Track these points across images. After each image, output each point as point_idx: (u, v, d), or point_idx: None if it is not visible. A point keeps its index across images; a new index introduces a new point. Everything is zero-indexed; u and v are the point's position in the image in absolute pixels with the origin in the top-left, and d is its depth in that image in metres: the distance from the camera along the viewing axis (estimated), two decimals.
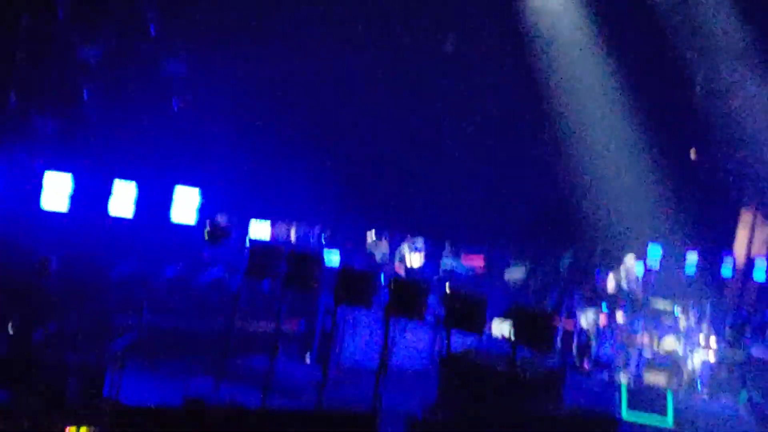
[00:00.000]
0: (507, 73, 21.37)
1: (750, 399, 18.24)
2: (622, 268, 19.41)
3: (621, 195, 22.37)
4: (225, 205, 18.50)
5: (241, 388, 13.65)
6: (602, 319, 18.74)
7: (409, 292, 13.57)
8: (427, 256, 19.81)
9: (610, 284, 19.34)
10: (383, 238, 20.57)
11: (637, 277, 19.27)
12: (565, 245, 22.92)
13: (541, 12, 21.17)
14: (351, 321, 15.60)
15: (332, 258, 17.52)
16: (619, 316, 18.65)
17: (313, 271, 13.91)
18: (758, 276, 24.41)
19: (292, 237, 20.64)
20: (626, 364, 18.15)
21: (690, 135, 23.64)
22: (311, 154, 19.35)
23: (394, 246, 20.65)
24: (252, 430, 9.65)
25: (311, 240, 20.88)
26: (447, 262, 20.77)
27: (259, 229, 19.39)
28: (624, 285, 19.10)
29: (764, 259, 24.51)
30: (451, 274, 20.03)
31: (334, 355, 14.99)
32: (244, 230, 18.89)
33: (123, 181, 16.87)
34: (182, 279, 16.78)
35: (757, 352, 20.56)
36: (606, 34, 21.55)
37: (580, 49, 21.55)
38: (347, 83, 19.82)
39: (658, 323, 18.35)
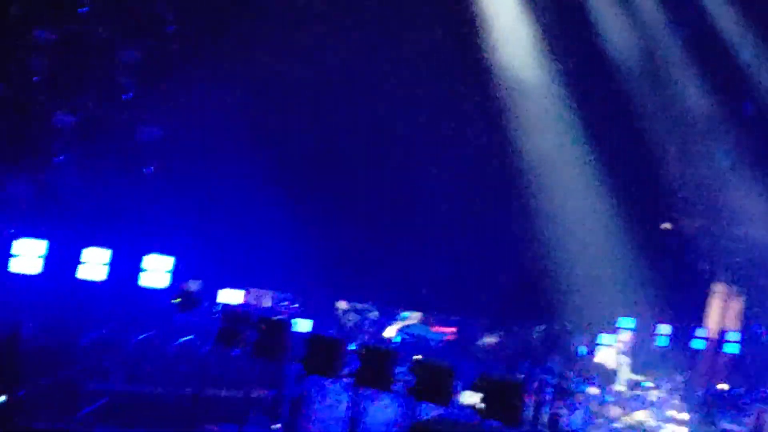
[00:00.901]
0: (479, 147, 21.56)
1: None
2: (617, 345, 19.51)
3: (593, 267, 22.44)
4: (198, 272, 18.50)
5: None
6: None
7: (378, 360, 13.59)
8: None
9: (602, 358, 19.39)
10: (352, 309, 20.66)
11: (626, 352, 19.33)
12: (538, 317, 22.98)
13: (513, 87, 21.40)
14: (320, 389, 15.54)
15: (303, 326, 17.52)
16: (592, 389, 18.66)
17: (283, 339, 13.92)
18: (730, 349, 24.50)
19: (265, 304, 20.63)
20: None
21: (662, 207, 23.80)
22: (284, 223, 19.39)
23: (365, 315, 20.71)
24: None
25: (283, 308, 20.89)
26: (415, 329, 20.84)
27: (231, 297, 19.38)
28: (615, 360, 19.17)
29: (736, 332, 24.61)
30: (420, 341, 20.06)
31: (303, 423, 14.92)
32: (216, 297, 18.89)
33: (96, 248, 16.88)
34: (152, 345, 16.72)
35: (728, 425, 20.60)
36: (578, 106, 21.78)
37: (552, 121, 21.75)
38: (318, 157, 19.96)
39: (628, 396, 18.41)
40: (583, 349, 20.78)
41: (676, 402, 18.63)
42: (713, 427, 20.52)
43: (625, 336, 19.75)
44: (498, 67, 21.36)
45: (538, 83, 21.59)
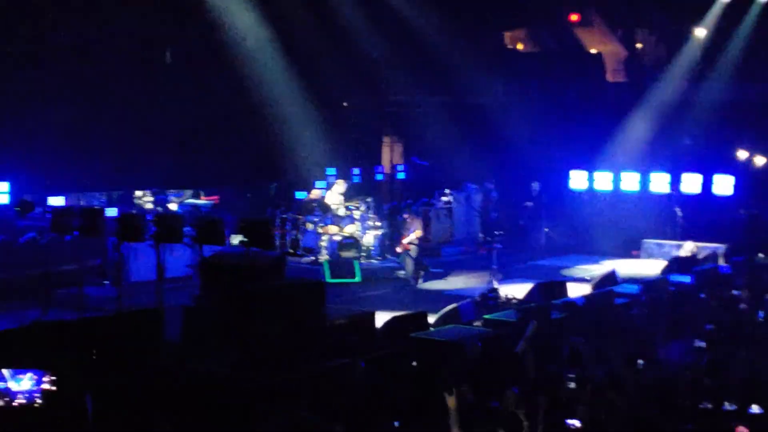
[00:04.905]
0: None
1: (408, 254, 19.07)
2: (334, 189, 19.62)
3: (301, 137, 22.61)
4: (28, 187, 17.57)
5: (63, 313, 13.10)
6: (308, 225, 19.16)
7: (170, 223, 13.56)
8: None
9: (324, 198, 19.41)
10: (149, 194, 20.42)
11: (340, 193, 19.57)
12: (272, 176, 23.16)
13: None
14: (133, 251, 15.28)
15: (112, 212, 17.09)
16: (315, 218, 19.02)
17: (99, 222, 13.67)
18: (400, 176, 25.54)
19: (82, 201, 20.06)
20: (325, 248, 18.67)
21: (341, 84, 23.44)
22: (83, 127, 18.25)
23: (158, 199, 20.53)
24: (75, 336, 9.41)
25: (95, 202, 20.40)
26: (190, 201, 20.83)
27: (57, 201, 18.78)
28: (330, 198, 19.35)
29: (402, 165, 25.63)
30: (195, 208, 20.04)
31: (125, 277, 14.68)
32: (46, 202, 18.24)
33: None
34: (6, 243, 15.84)
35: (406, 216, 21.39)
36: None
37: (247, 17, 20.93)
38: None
39: (342, 217, 18.95)
40: (303, 194, 21.07)
41: (372, 215, 19.30)
42: (397, 227, 21.40)
43: (338, 183, 19.94)
44: None
45: None
